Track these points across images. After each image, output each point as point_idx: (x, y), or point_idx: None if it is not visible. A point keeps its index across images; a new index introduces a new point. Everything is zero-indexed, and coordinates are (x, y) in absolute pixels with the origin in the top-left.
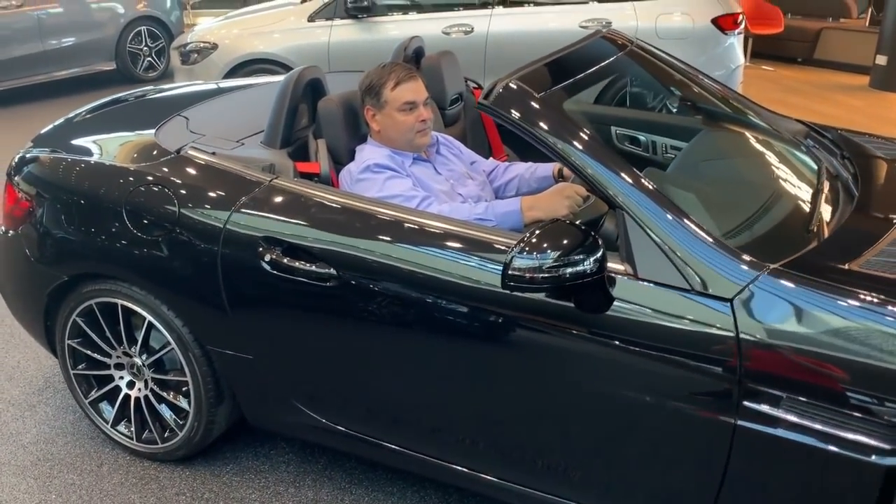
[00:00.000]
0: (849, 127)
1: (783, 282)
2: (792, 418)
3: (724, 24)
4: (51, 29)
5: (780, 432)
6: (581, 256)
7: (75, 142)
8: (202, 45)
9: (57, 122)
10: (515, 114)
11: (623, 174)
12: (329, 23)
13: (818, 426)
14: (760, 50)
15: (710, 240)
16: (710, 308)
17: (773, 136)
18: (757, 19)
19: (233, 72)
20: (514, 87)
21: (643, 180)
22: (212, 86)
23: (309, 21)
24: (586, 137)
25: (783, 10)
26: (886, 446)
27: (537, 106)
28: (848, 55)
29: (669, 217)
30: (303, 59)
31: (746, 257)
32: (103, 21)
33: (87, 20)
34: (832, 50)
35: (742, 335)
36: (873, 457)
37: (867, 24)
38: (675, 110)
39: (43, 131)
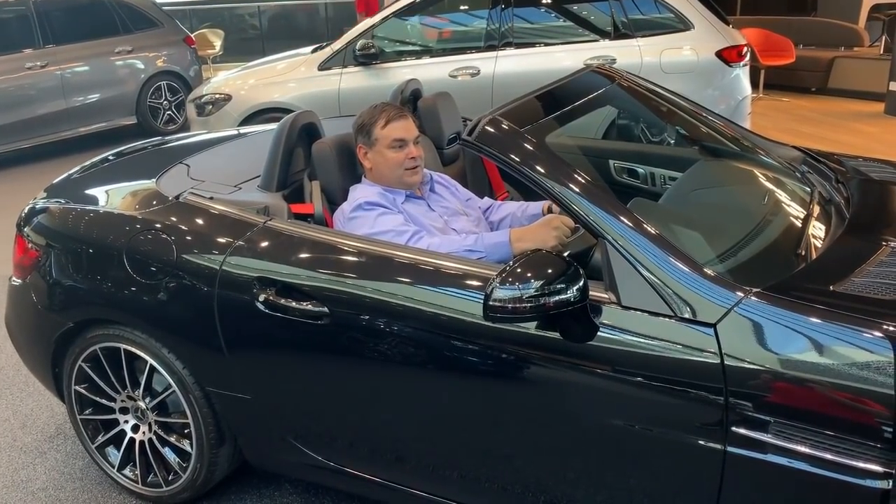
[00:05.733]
0: (865, 154)
1: (766, 305)
2: (781, 443)
3: (728, 56)
4: (74, 87)
5: (770, 458)
6: (563, 285)
7: (84, 191)
8: (216, 96)
9: (68, 174)
10: (498, 149)
11: (603, 203)
12: (339, 71)
13: (808, 450)
14: (774, 81)
15: (692, 266)
16: (695, 333)
17: (766, 164)
18: (768, 51)
19: (246, 122)
20: (497, 122)
21: (624, 209)
22: (222, 134)
23: (320, 70)
24: (567, 169)
25: (794, 41)
26: (879, 469)
27: (519, 140)
28: (862, 83)
29: (651, 244)
30: (313, 106)
31: (728, 282)
32: (124, 77)
33: (108, 77)
34: (846, 78)
35: (727, 360)
36: (867, 481)
37: (881, 51)
38: (672, 142)
39: (54, 182)
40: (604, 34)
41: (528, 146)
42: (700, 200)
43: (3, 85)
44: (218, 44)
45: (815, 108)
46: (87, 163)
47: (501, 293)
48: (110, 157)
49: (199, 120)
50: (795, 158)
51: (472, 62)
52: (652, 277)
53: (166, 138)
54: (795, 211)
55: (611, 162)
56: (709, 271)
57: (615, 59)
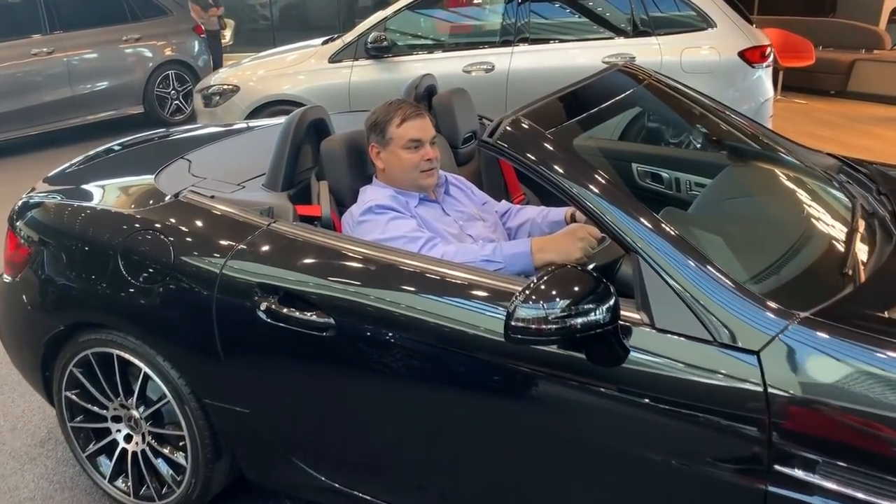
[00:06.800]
0: (886, 160)
1: (816, 332)
2: (830, 485)
3: (751, 57)
4: (80, 74)
5: (816, 501)
6: (592, 305)
7: (80, 185)
8: (224, 87)
9: (67, 164)
10: (521, 152)
11: (638, 215)
12: (350, 63)
13: (861, 495)
14: (792, 83)
15: (734, 286)
16: (736, 361)
17: (802, 172)
18: (787, 52)
19: (254, 114)
20: (520, 123)
21: (660, 222)
22: (230, 127)
23: (330, 62)
24: (598, 176)
25: (814, 42)
26: None
27: (545, 143)
28: (882, 86)
29: (689, 262)
30: (323, 100)
31: (774, 305)
32: (131, 66)
33: (115, 65)
34: (866, 81)
35: (771, 391)
36: None
37: None
38: (698, 146)
39: (51, 173)
40: (623, 31)
41: (555, 150)
42: (733, 211)
43: (9, 71)
44: (228, 34)
45: (835, 112)
46: (91, 152)
47: (524, 312)
48: (115, 148)
49: (206, 111)
50: (831, 167)
51: (486, 57)
52: (690, 298)
53: (172, 130)
54: (838, 225)
55: (633, 165)
56: (753, 292)
57: (634, 58)
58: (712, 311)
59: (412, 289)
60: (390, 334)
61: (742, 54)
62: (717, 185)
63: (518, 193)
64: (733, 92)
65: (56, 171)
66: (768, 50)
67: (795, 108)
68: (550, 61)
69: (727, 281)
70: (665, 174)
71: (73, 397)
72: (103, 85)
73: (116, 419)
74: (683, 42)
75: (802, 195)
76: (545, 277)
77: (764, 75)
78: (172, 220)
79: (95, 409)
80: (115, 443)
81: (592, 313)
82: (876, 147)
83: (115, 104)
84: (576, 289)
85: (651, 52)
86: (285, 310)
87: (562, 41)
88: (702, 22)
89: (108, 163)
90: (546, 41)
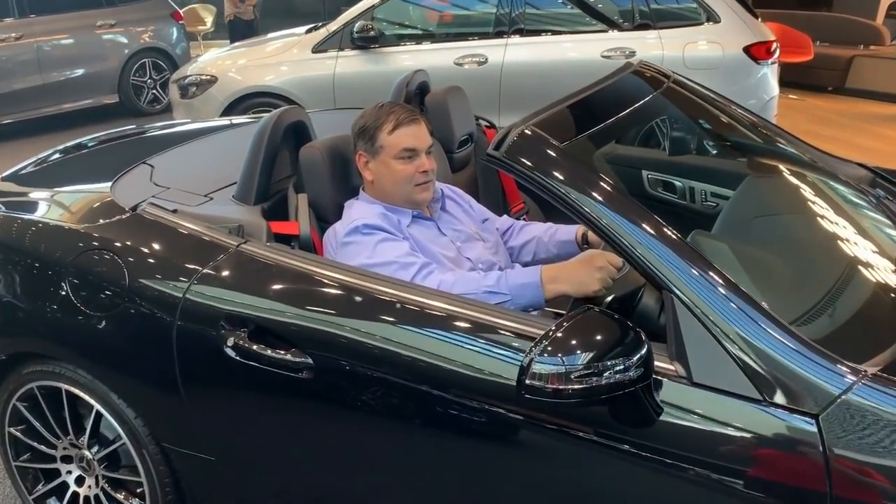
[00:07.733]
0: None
1: (889, 391)
2: None
3: (756, 53)
4: (51, 61)
5: None
6: (620, 360)
7: (32, 191)
8: (202, 77)
9: (24, 164)
10: (533, 168)
11: (676, 249)
12: (335, 54)
13: None
14: (788, 78)
15: (791, 336)
16: (790, 425)
17: (835, 186)
18: (785, 47)
19: (233, 106)
20: (531, 135)
21: (702, 258)
22: (210, 123)
23: (314, 52)
24: (627, 200)
25: (812, 37)
26: None
27: (561, 159)
28: (882, 83)
29: (734, 304)
30: (306, 92)
31: (838, 359)
32: (105, 53)
33: (88, 52)
34: (865, 78)
35: (833, 462)
36: None
37: None
38: (714, 152)
39: (5, 173)
40: (623, 24)
41: (572, 166)
42: (765, 233)
43: None
44: (209, 20)
45: (834, 109)
46: (60, 147)
47: (542, 367)
48: (88, 144)
49: (183, 103)
50: (863, 178)
51: (479, 49)
52: (735, 349)
53: (148, 126)
54: (886, 252)
55: (644, 173)
56: (812, 343)
57: (635, 52)
58: (763, 365)
59: (404, 325)
60: (377, 376)
61: (747, 50)
62: (740, 199)
63: (517, 202)
64: (737, 89)
65: (11, 171)
66: (774, 46)
67: (791, 104)
68: (546, 54)
69: (782, 328)
70: (678, 183)
71: (18, 434)
72: (76, 73)
73: (66, 459)
74: (686, 36)
75: (840, 215)
76: (565, 325)
77: (769, 72)
78: (128, 238)
79: (43, 447)
80: (65, 485)
81: (620, 370)
82: (886, 149)
83: (88, 93)
84: (599, 338)
85: (652, 47)
86: (255, 346)
87: (559, 33)
88: (705, 15)
89: (70, 164)
90: (542, 33)
